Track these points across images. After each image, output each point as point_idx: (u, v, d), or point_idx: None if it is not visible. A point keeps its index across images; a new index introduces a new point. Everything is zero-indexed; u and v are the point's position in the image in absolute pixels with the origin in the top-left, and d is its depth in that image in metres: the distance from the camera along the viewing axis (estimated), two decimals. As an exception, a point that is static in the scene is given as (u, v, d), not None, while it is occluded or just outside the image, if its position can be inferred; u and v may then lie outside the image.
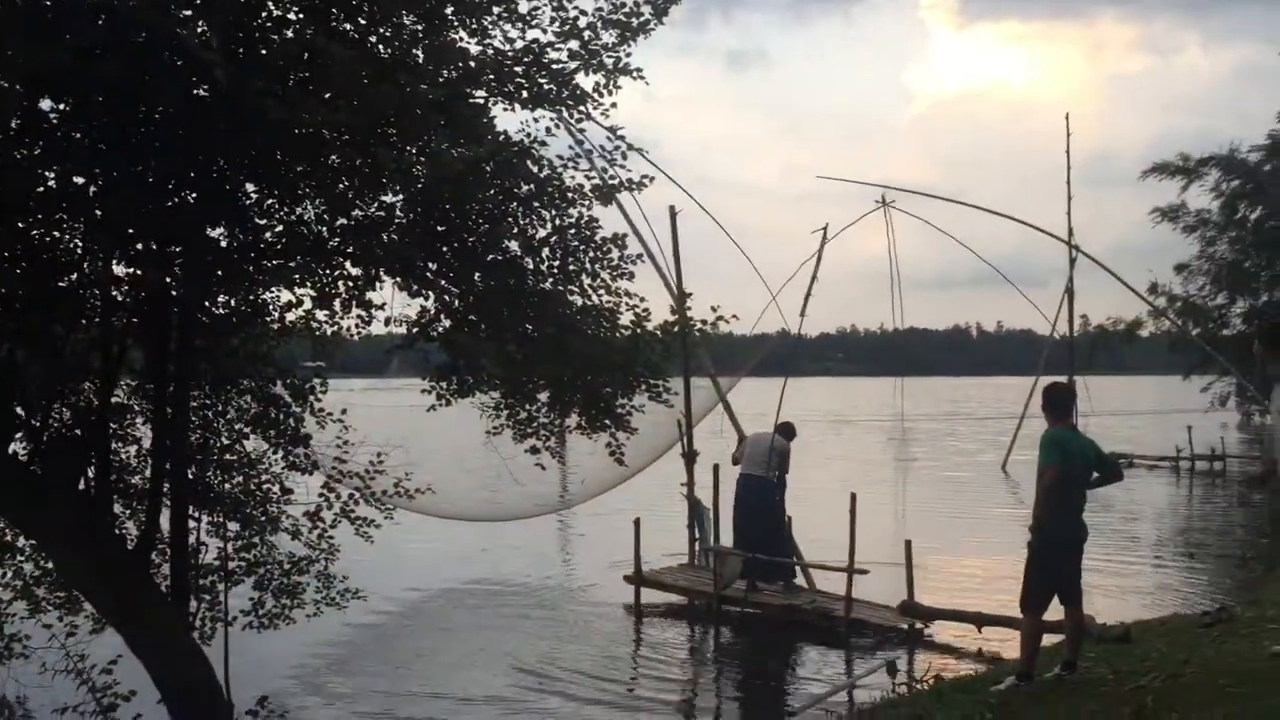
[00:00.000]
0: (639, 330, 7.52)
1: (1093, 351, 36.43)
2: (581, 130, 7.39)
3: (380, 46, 6.36)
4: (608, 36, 6.81)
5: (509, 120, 7.08)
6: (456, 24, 6.62)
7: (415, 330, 7.52)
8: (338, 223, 6.95)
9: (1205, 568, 16.22)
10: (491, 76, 6.63)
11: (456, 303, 7.36)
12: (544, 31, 6.72)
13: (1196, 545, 18.44)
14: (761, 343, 19.02)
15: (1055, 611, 8.14)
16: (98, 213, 6.49)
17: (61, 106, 6.14)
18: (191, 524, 8.01)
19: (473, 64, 6.50)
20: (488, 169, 6.40)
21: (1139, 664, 8.18)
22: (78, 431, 7.31)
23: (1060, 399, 8.25)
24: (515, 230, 7.06)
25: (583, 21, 6.72)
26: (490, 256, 7.04)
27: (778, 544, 13.41)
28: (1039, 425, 8.25)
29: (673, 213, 14.82)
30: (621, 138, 7.15)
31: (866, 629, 11.84)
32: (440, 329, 7.48)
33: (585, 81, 6.92)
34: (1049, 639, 8.64)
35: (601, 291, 7.37)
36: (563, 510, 19.26)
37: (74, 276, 6.93)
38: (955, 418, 61.13)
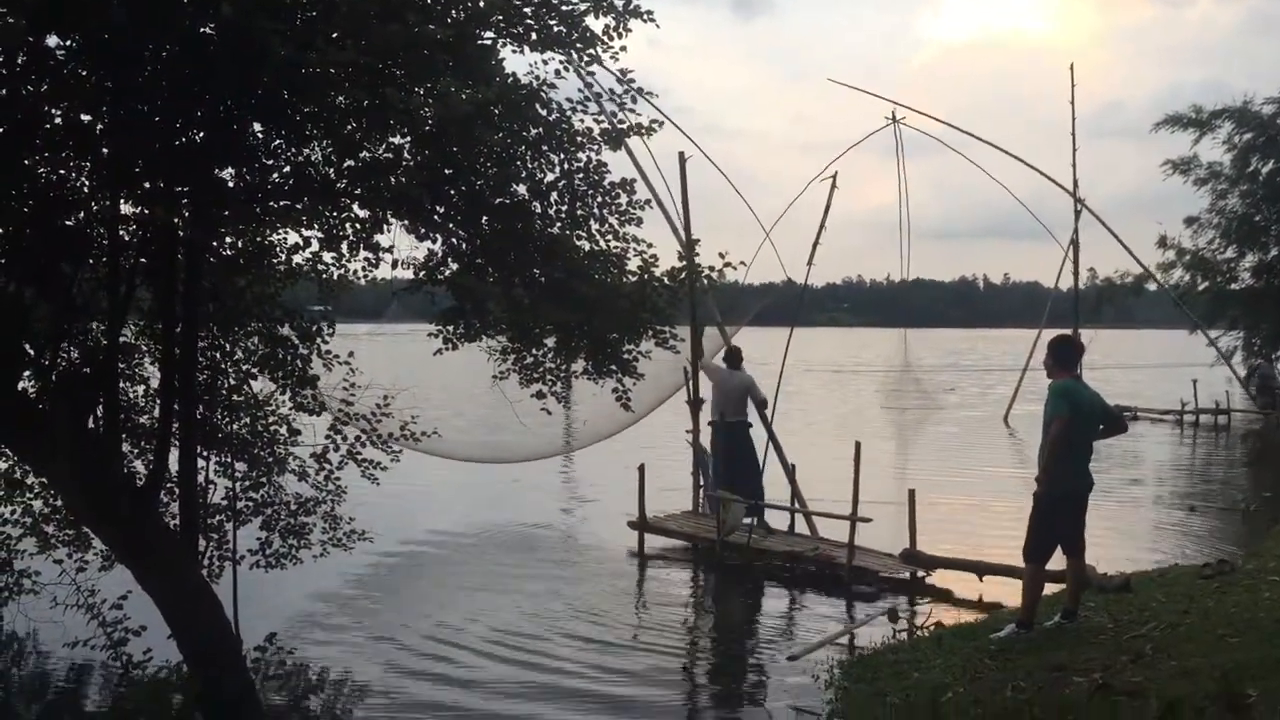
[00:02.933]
0: (646, 276, 7.52)
1: (1099, 304, 36.18)
2: (591, 74, 7.32)
3: (388, -15, 6.27)
4: (618, -22, 6.72)
5: (518, 62, 7.02)
6: (466, -38, 6.52)
7: (422, 273, 7.52)
8: (345, 164, 6.89)
9: (1206, 520, 16.28)
10: (500, 17, 6.54)
11: (464, 246, 7.33)
12: (554, -28, 6.63)
13: (1198, 498, 18.51)
14: (768, 291, 19.02)
15: (1057, 561, 8.21)
16: (105, 151, 6.47)
17: (68, 43, 6.09)
18: (199, 463, 8.07)
19: (481, 4, 6.42)
20: (496, 111, 6.34)
21: (1138, 613, 8.27)
22: (86, 370, 7.33)
23: (1067, 351, 8.26)
24: (523, 174, 7.00)
25: (593, -38, 6.63)
26: (498, 200, 7.00)
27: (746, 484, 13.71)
28: (1041, 376, 8.28)
29: (682, 159, 14.72)
30: (631, 81, 7.08)
31: (868, 576, 11.93)
32: (447, 272, 7.48)
33: (595, 24, 6.85)
34: (1050, 588, 8.73)
35: (609, 237, 7.36)
36: (567, 453, 19.37)
37: (81, 215, 6.91)
38: (959, 369, 61.09)
